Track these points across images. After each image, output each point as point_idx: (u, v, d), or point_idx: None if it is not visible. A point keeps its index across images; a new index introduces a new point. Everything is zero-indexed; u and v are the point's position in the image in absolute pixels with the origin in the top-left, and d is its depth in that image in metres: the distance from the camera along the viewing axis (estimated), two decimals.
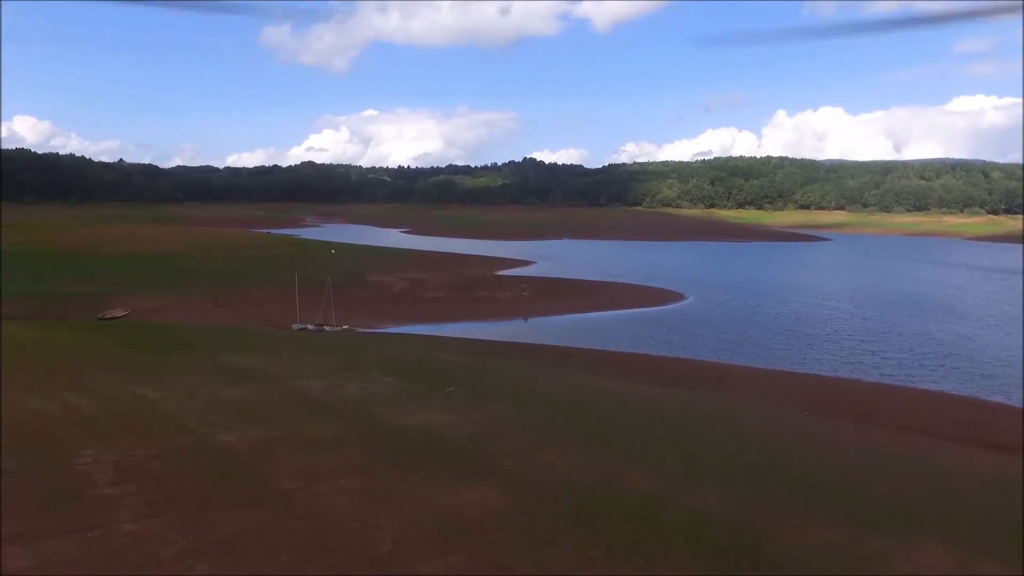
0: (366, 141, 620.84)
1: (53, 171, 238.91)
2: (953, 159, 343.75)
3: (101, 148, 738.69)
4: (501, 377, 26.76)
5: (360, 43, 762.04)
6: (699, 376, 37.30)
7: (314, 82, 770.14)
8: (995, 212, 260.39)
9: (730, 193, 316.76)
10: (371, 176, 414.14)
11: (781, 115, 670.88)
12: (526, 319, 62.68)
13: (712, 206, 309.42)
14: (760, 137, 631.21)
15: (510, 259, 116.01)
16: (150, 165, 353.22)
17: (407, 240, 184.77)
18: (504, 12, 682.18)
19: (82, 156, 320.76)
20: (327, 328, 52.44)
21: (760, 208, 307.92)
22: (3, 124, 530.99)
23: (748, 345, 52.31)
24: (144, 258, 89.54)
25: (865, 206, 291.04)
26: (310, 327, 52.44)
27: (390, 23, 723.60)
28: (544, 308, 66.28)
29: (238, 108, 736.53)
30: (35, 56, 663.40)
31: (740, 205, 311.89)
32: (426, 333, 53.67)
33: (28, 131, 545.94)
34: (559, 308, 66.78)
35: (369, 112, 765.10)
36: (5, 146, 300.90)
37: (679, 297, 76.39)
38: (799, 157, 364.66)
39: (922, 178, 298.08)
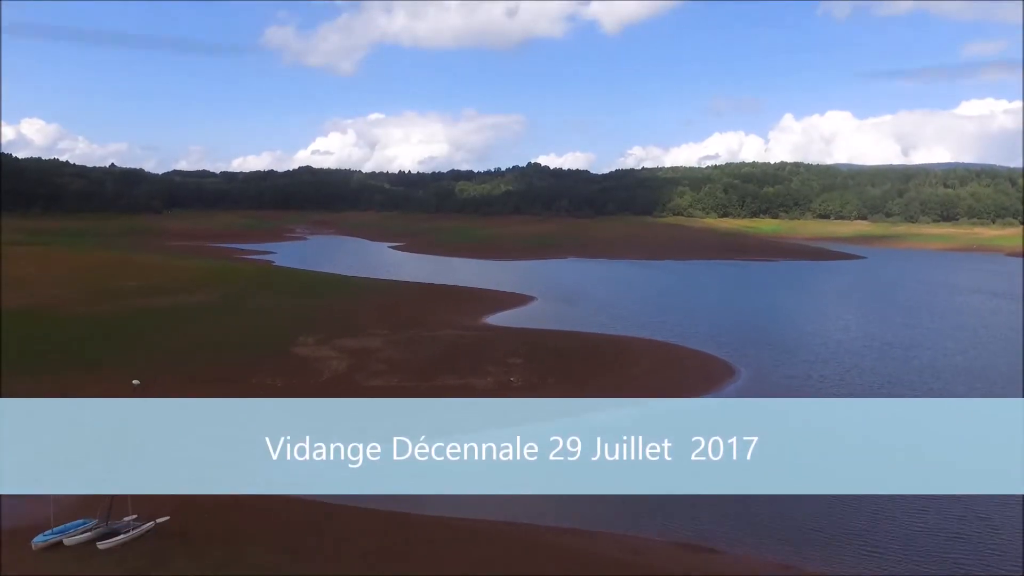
0: (372, 144, 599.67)
1: (11, 178, 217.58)
2: (963, 163, 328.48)
3: (109, 151, 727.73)
4: None
5: (366, 45, 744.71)
6: None
7: (321, 85, 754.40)
8: None
9: (744, 201, 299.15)
10: (371, 182, 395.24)
11: (788, 119, 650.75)
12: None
13: (726, 214, 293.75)
14: (767, 141, 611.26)
15: (506, 294, 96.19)
16: (137, 170, 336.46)
17: (394, 260, 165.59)
18: (511, 13, 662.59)
19: (67, 161, 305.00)
20: (121, 535, 25.86)
21: (776, 217, 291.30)
22: (11, 127, 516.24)
23: None
24: None
25: (888, 215, 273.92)
26: (81, 537, 25.54)
27: (396, 24, 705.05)
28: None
29: (245, 111, 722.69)
30: (44, 58, 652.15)
31: (754, 214, 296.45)
32: (327, 497, 30.29)
33: (36, 134, 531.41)
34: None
35: (375, 115, 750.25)
36: (5, 150, 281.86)
37: (728, 372, 55.44)
38: (807, 162, 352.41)
39: (945, 185, 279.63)
